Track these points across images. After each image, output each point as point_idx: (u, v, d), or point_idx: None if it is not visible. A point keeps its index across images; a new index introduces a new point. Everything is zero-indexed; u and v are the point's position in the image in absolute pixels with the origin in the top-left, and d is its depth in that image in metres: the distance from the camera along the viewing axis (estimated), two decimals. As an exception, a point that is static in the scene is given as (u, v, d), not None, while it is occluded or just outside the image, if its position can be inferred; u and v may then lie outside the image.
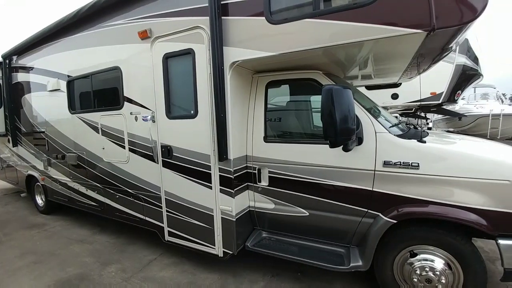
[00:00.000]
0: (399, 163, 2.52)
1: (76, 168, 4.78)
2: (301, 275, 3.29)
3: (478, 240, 2.56)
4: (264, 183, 3.18)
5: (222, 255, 3.21)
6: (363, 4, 2.23)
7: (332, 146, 2.39)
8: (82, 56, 4.31)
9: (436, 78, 6.35)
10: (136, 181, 3.90)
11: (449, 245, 2.44)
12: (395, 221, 2.53)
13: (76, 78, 4.48)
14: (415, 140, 2.56)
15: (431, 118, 11.81)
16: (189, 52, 3.07)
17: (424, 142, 2.53)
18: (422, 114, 7.94)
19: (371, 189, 2.65)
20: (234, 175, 3.05)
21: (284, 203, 3.12)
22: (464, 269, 2.42)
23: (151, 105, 3.47)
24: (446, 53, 3.01)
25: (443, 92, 6.84)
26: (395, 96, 7.18)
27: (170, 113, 3.33)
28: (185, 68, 3.14)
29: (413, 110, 8.16)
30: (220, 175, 3.08)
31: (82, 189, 4.84)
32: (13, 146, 6.28)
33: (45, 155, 5.43)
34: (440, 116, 11.81)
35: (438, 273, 2.46)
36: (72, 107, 4.64)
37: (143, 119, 3.51)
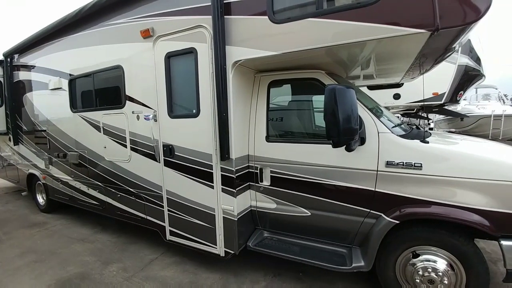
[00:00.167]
0: (401, 163, 2.51)
1: (78, 166, 4.78)
2: (303, 275, 3.28)
3: (480, 241, 2.55)
4: (266, 182, 3.18)
5: (223, 255, 3.21)
6: (366, 3, 2.22)
7: (335, 146, 2.38)
8: (84, 54, 4.30)
9: (438, 79, 6.33)
10: (137, 180, 3.90)
11: (452, 246, 2.43)
12: (397, 222, 2.52)
13: (78, 77, 4.48)
14: (418, 141, 2.55)
15: (432, 118, 11.79)
16: (191, 51, 3.07)
17: (427, 142, 2.52)
18: (424, 115, 7.92)
19: (373, 189, 2.64)
20: (236, 175, 3.05)
21: (286, 203, 3.11)
22: (466, 270, 2.41)
23: (153, 104, 3.47)
24: (449, 54, 3.00)
25: (445, 93, 6.82)
26: (397, 96, 7.17)
27: (172, 112, 3.32)
28: (187, 67, 3.14)
29: (414, 111, 8.14)
30: (222, 174, 3.08)
31: (84, 188, 4.84)
32: (14, 145, 6.27)
33: (46, 153, 5.43)
34: (442, 117, 11.80)
35: (440, 274, 2.46)
36: (74, 106, 4.64)
37: (145, 118, 3.51)
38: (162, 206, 3.62)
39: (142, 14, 3.45)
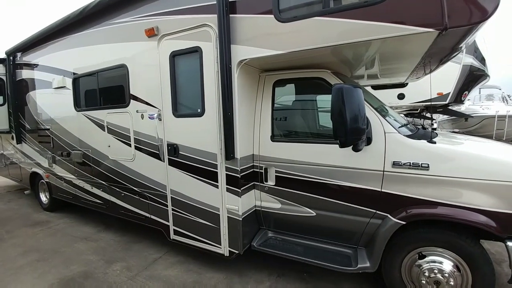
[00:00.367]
0: (408, 163, 2.50)
1: (81, 165, 4.78)
2: (307, 275, 3.27)
3: (484, 242, 2.55)
4: (271, 182, 3.16)
5: (228, 255, 3.20)
6: (374, 2, 2.20)
7: (342, 146, 2.36)
8: (88, 53, 4.30)
9: (443, 79, 6.30)
10: (141, 179, 3.90)
11: (458, 247, 2.42)
12: (404, 223, 2.50)
13: (82, 76, 4.48)
14: (425, 141, 2.53)
15: (436, 118, 11.74)
16: (196, 50, 3.06)
17: (434, 142, 2.50)
18: (428, 115, 7.87)
19: (379, 189, 2.62)
20: (241, 174, 3.03)
21: (291, 203, 3.10)
22: (472, 271, 2.40)
23: (158, 103, 3.46)
24: (456, 53, 2.98)
25: (450, 93, 6.78)
26: (401, 96, 7.13)
27: (177, 112, 3.31)
28: (192, 66, 3.13)
29: (418, 111, 8.10)
30: (226, 174, 3.07)
31: (87, 187, 4.83)
32: (17, 143, 6.28)
33: (50, 152, 5.44)
34: (445, 117, 11.74)
35: (446, 275, 2.44)
36: (77, 105, 4.64)
37: (149, 117, 3.50)
38: (166, 205, 3.61)
39: (147, 13, 3.44)
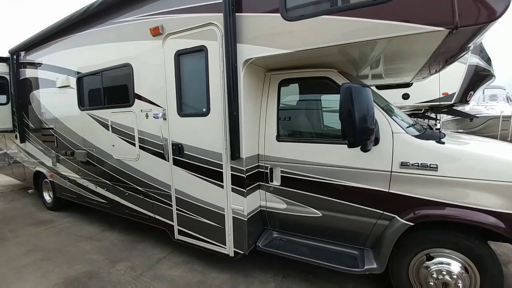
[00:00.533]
0: (417, 164, 2.47)
1: (85, 165, 4.77)
2: (312, 276, 3.25)
3: (490, 243, 2.53)
4: (276, 182, 3.14)
5: (233, 255, 3.18)
6: (383, 0, 2.17)
7: (351, 146, 2.34)
8: (92, 52, 4.29)
9: (449, 79, 6.24)
10: (146, 179, 3.88)
11: (467, 248, 2.39)
12: (412, 224, 2.48)
13: (86, 75, 4.47)
14: (434, 141, 2.51)
15: (440, 119, 11.70)
16: (202, 49, 3.03)
17: (443, 143, 2.47)
18: (433, 115, 7.83)
19: (387, 190, 2.60)
20: (246, 174, 3.01)
21: (296, 203, 3.08)
22: (481, 272, 2.38)
23: (162, 102, 3.45)
24: (464, 54, 2.95)
25: (455, 93, 6.73)
26: (406, 96, 7.08)
27: (182, 111, 3.30)
28: (197, 66, 3.10)
29: (422, 111, 8.05)
30: (232, 174, 3.05)
31: (91, 186, 4.83)
32: (21, 142, 6.28)
33: (53, 151, 5.44)
34: (449, 117, 11.68)
35: (455, 276, 2.42)
36: (82, 104, 4.63)
37: (154, 117, 3.49)
38: (171, 205, 3.60)
39: (152, 11, 3.42)
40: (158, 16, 3.37)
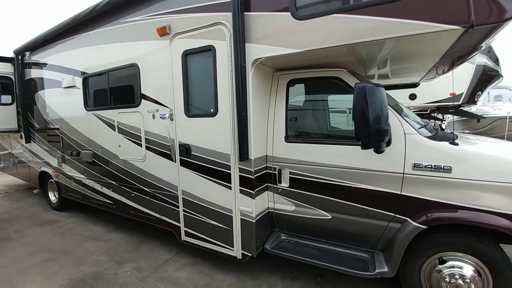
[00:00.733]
0: (430, 166, 2.42)
1: (91, 165, 4.76)
2: (321, 279, 3.21)
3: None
4: (285, 184, 3.10)
5: (240, 257, 3.14)
6: None
7: (365, 147, 2.29)
8: (98, 52, 4.27)
9: (456, 79, 6.18)
10: (152, 180, 3.86)
11: (480, 252, 2.35)
12: (425, 227, 2.43)
13: (92, 75, 4.45)
14: (447, 142, 2.46)
15: (445, 119, 11.60)
16: (210, 49, 3.00)
17: (457, 144, 2.42)
18: (440, 116, 7.76)
19: (399, 192, 2.55)
20: (255, 176, 2.98)
21: (305, 205, 3.04)
22: (494, 276, 2.34)
23: (169, 103, 3.42)
24: (475, 53, 2.90)
25: (463, 93, 6.67)
26: (413, 97, 7.01)
27: (189, 111, 3.26)
28: (205, 66, 3.07)
29: (428, 111, 7.98)
30: (240, 175, 3.01)
31: (97, 187, 4.81)
32: (26, 142, 6.28)
33: (59, 151, 5.42)
34: (455, 118, 11.58)
35: (468, 280, 2.38)
36: (87, 104, 4.61)
37: (161, 117, 3.46)
38: (178, 206, 3.57)
39: (159, 11, 3.39)
40: (165, 16, 3.34)
